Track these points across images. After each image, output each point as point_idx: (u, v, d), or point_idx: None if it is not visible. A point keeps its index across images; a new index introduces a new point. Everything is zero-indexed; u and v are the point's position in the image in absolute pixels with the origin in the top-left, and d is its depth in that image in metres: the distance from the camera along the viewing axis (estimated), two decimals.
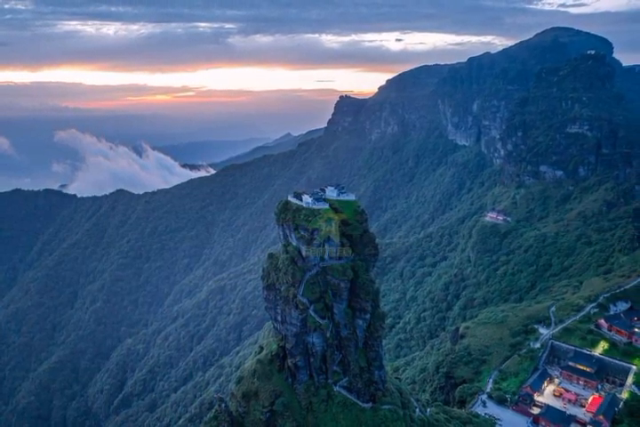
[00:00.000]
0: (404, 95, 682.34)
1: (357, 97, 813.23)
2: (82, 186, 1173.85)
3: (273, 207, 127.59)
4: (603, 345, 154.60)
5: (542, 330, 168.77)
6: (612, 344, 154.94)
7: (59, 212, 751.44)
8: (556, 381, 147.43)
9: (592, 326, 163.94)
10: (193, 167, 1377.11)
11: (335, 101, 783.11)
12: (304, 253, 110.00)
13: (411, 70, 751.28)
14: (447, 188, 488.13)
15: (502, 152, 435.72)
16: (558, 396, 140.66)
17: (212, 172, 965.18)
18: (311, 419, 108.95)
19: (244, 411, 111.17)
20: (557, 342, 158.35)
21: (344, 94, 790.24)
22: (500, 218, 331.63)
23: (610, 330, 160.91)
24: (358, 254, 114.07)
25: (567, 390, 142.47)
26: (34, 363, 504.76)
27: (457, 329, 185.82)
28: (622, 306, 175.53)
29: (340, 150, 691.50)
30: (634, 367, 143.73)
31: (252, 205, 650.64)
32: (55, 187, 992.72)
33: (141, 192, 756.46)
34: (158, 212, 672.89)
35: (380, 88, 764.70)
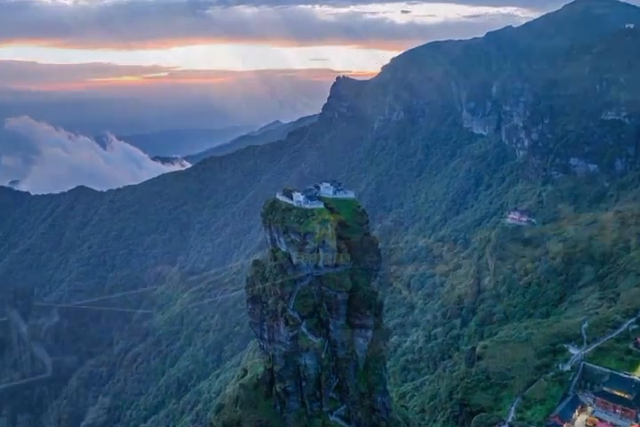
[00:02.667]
0: (411, 76, 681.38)
1: (357, 78, 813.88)
2: (36, 182, 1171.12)
3: (259, 207, 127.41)
4: None
5: (573, 350, 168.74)
6: None
7: (9, 212, 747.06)
8: (589, 409, 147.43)
9: (631, 345, 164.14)
10: (165, 160, 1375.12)
11: (331, 83, 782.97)
12: (295, 261, 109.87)
13: (419, 47, 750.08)
14: (462, 184, 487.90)
15: (526, 142, 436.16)
16: None
17: (188, 165, 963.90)
18: None
19: None
20: (590, 364, 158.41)
21: (341, 75, 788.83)
22: (524, 219, 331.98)
23: None
24: (358, 262, 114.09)
25: (602, 420, 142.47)
26: None
27: (473, 349, 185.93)
28: None
29: (336, 141, 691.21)
30: None
31: (234, 205, 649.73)
32: (5, 183, 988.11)
33: (105, 189, 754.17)
34: (125, 212, 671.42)
35: (384, 68, 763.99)
